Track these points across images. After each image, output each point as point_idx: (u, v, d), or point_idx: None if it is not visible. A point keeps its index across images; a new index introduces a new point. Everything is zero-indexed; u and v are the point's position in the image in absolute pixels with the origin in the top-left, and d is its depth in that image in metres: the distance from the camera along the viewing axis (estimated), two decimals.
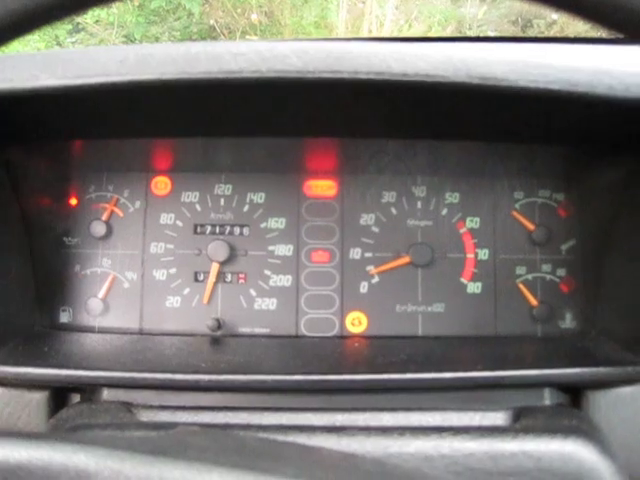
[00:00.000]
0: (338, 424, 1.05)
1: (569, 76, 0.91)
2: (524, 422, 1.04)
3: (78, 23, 5.11)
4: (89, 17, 5.24)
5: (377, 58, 0.90)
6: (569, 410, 1.11)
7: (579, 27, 4.93)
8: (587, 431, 0.98)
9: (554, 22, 5.17)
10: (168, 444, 0.70)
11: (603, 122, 1.09)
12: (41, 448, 0.60)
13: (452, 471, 0.91)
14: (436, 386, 1.10)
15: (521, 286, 1.36)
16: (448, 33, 5.67)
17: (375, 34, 5.73)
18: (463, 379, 1.09)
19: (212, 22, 5.45)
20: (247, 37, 5.50)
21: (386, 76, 0.90)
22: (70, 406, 1.13)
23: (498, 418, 1.07)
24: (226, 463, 0.60)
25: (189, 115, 1.13)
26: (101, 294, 1.36)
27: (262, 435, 0.98)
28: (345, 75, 0.90)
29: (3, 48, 0.62)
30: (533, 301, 1.35)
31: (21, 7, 0.56)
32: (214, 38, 5.51)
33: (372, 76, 0.90)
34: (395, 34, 5.89)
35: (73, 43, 5.11)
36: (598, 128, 1.14)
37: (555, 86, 0.91)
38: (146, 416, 1.09)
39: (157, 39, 5.29)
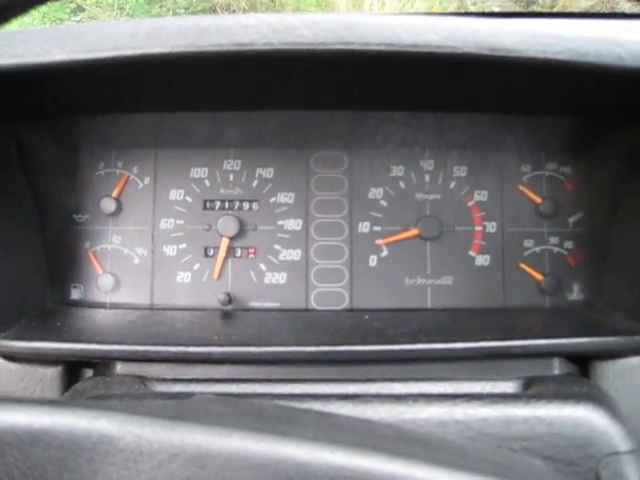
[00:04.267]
0: (351, 394, 1.06)
1: (577, 46, 0.92)
2: (535, 389, 1.05)
3: (78, 5, 5.08)
4: None
5: (388, 29, 0.91)
6: (578, 379, 1.12)
7: (582, 3, 4.90)
8: (597, 397, 1.00)
9: None
10: (187, 410, 0.71)
11: (611, 93, 1.09)
12: (64, 414, 0.62)
13: (466, 436, 0.92)
14: (447, 356, 1.11)
15: (529, 259, 1.36)
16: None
17: (377, 12, 5.70)
18: (473, 349, 1.10)
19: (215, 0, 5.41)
20: None
21: (397, 47, 0.90)
22: (85, 379, 1.15)
23: (509, 387, 1.08)
24: (246, 427, 0.61)
25: (198, 88, 1.13)
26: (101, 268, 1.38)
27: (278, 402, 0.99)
28: (356, 46, 0.90)
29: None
30: (541, 273, 1.35)
31: None
32: None
33: (383, 47, 0.90)
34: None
35: (78, 22, 5.09)
36: (606, 99, 1.14)
37: (563, 56, 0.91)
38: (160, 388, 1.10)
39: None
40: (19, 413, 0.61)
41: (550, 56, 0.91)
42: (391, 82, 1.09)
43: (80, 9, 5.04)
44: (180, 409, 0.71)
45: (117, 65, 0.94)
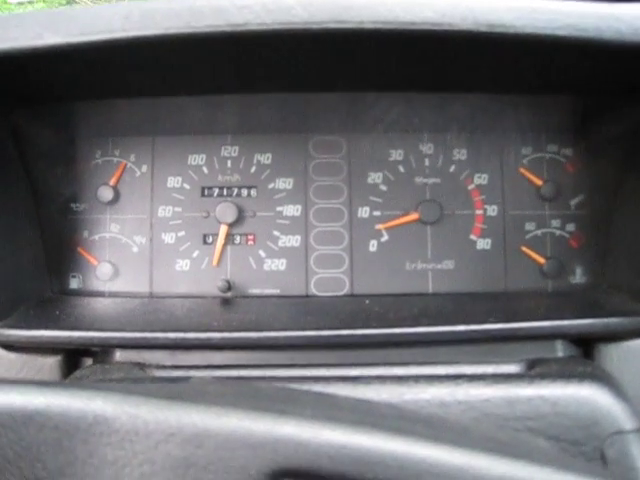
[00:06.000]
0: (351, 376, 1.05)
1: (577, 21, 0.91)
2: (538, 370, 1.04)
3: None
4: None
5: (384, 7, 0.90)
6: (582, 360, 1.11)
7: None
8: (601, 376, 0.99)
9: None
10: (184, 391, 0.70)
11: (612, 69, 1.08)
12: (59, 395, 0.61)
13: (469, 417, 0.92)
14: (449, 339, 1.10)
15: (530, 242, 1.35)
16: None
17: None
18: (476, 332, 1.09)
19: None
20: None
21: (393, 25, 0.89)
22: (84, 367, 1.14)
23: (511, 369, 1.08)
24: (243, 406, 0.61)
25: (193, 71, 1.12)
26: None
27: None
28: (351, 25, 0.89)
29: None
30: (543, 257, 1.34)
31: None
32: None
33: (379, 25, 0.89)
34: None
35: None
36: (607, 76, 1.13)
37: (562, 32, 0.90)
38: (159, 375, 1.09)
39: None
40: (13, 394, 0.61)
41: (549, 32, 0.90)
42: (388, 62, 1.08)
43: (74, 1, 5.03)
44: (177, 390, 0.70)
45: (111, 48, 0.93)
